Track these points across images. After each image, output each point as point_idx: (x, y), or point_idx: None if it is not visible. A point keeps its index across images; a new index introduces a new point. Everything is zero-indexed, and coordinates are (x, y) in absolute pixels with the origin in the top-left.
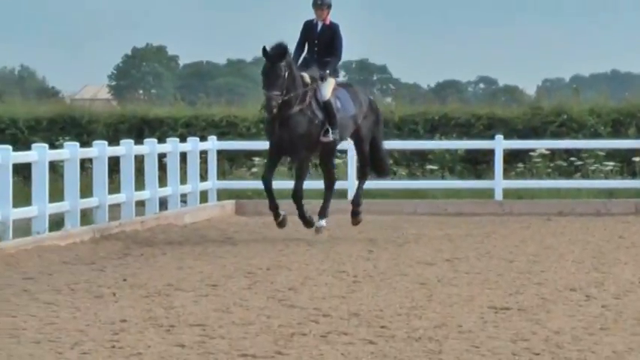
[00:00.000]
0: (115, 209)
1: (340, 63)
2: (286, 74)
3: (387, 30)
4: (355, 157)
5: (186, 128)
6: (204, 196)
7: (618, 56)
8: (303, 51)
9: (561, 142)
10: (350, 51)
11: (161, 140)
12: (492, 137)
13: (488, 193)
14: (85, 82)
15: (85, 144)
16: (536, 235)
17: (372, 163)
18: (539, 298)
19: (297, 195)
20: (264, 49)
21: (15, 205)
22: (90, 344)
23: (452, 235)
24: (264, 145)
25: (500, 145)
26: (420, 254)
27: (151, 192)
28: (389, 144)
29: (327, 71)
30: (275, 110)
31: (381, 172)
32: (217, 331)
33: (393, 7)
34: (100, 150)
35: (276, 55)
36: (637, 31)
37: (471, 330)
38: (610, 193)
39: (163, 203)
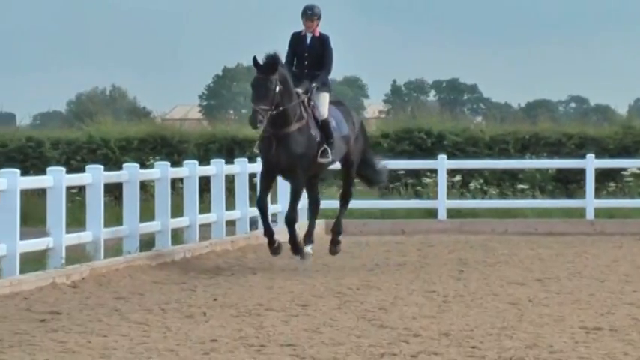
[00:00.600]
0: (205, 229)
1: (429, 82)
2: (277, 88)
3: (478, 49)
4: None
5: None
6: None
7: None
8: (292, 65)
9: None
10: (440, 71)
11: (252, 160)
12: (583, 156)
13: (580, 213)
14: (175, 102)
15: (175, 164)
16: (627, 255)
17: (369, 175)
18: (631, 318)
19: (291, 220)
20: (254, 59)
21: (106, 225)
22: None
23: (543, 254)
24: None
25: (591, 164)
26: (511, 274)
27: (242, 212)
28: (479, 163)
29: (314, 84)
30: (260, 125)
31: (378, 181)
32: (307, 351)
33: (484, 27)
34: (190, 170)
35: (266, 66)
36: None
37: (562, 350)
38: None
39: (254, 223)
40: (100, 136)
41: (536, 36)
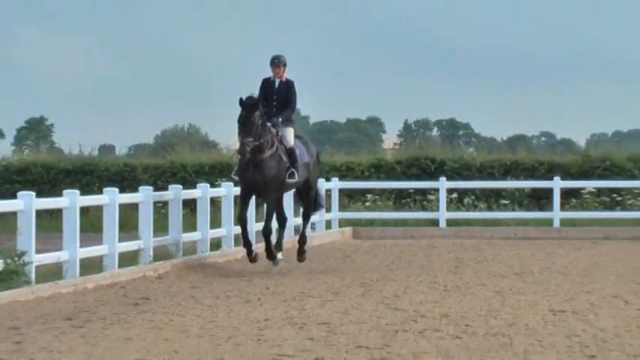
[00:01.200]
0: (260, 234)
1: (433, 121)
2: (259, 123)
3: (471, 95)
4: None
5: None
6: (328, 224)
7: None
8: (263, 106)
9: (605, 182)
10: (441, 112)
11: None
12: (552, 179)
13: (549, 222)
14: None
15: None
16: (586, 255)
17: (316, 200)
18: (589, 303)
19: (267, 233)
20: (240, 100)
21: (184, 231)
22: (241, 338)
23: (520, 254)
24: (375, 184)
25: (557, 184)
26: (496, 269)
27: (288, 221)
28: (472, 184)
29: (280, 118)
30: (248, 155)
31: (318, 208)
32: (339, 328)
33: (476, 77)
34: None
35: (250, 105)
36: None
37: (535, 328)
38: None
39: (297, 229)
40: (179, 162)
41: (515, 84)
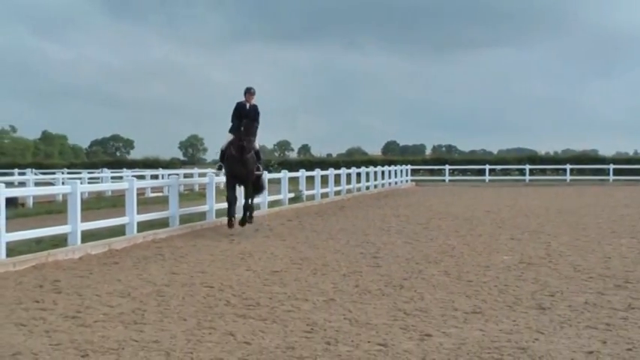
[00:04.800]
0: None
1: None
2: (256, 128)
3: (459, 133)
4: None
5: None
6: (406, 182)
7: None
8: (240, 121)
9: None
10: (443, 140)
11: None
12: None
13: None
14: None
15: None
16: (511, 193)
17: (258, 186)
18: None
19: (248, 208)
20: (245, 110)
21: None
22: (375, 228)
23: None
24: (423, 167)
25: (529, 168)
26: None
27: (391, 181)
28: (459, 167)
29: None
30: (250, 150)
31: (261, 191)
32: (411, 216)
33: (463, 123)
34: (378, 169)
35: (253, 116)
36: None
37: (521, 239)
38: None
39: (396, 184)
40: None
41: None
